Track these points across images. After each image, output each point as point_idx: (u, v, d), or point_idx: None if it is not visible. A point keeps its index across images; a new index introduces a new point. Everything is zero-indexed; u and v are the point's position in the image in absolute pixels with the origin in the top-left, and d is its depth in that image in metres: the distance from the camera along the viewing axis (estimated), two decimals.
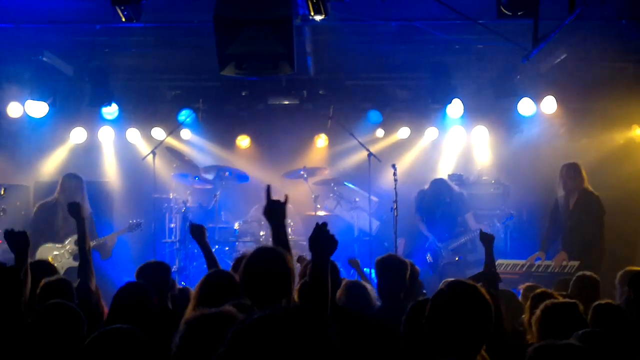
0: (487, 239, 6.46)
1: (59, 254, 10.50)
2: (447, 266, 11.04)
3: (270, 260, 4.33)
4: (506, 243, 11.64)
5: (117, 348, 3.89)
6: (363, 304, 5.92)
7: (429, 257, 11.39)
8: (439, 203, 11.56)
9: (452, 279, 4.26)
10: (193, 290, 5.19)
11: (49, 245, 10.59)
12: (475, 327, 3.62)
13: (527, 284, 7.41)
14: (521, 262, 10.12)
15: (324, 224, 4.22)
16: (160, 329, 4.51)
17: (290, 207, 12.53)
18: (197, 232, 6.48)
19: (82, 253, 6.69)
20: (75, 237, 10.21)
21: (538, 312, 4.98)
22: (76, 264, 10.16)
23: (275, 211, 4.85)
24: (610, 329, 4.72)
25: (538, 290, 6.08)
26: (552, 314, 4.88)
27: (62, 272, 9.64)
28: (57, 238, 10.64)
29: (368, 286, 6.34)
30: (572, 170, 10.31)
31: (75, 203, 6.95)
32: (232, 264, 6.96)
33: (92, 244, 10.03)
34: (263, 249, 4.60)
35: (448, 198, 11.57)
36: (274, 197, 4.86)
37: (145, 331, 4.20)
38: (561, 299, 5.28)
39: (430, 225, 11.60)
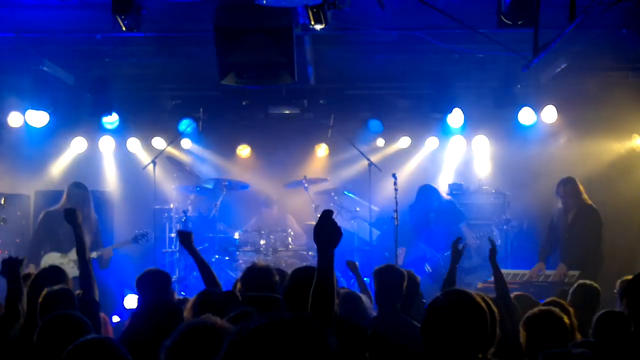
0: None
1: (63, 262, 10.37)
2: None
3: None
4: (505, 249, 11.58)
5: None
6: (357, 313, 5.88)
7: (427, 267, 11.35)
8: (428, 208, 11.51)
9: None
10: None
11: (53, 254, 10.53)
12: (470, 332, 3.65)
13: (516, 293, 7.34)
14: (522, 271, 10.09)
15: (330, 212, 3.73)
16: None
17: (290, 217, 12.67)
18: (185, 239, 6.37)
19: (82, 263, 6.30)
20: None
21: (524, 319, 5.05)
22: None
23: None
24: (614, 338, 4.75)
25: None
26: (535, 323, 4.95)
27: None
28: (62, 247, 10.55)
29: (363, 296, 6.32)
30: (569, 186, 10.36)
31: (71, 209, 6.56)
32: (240, 275, 6.67)
33: (92, 255, 9.92)
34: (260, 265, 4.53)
35: (437, 202, 11.52)
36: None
37: None
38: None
39: (425, 238, 11.54)
